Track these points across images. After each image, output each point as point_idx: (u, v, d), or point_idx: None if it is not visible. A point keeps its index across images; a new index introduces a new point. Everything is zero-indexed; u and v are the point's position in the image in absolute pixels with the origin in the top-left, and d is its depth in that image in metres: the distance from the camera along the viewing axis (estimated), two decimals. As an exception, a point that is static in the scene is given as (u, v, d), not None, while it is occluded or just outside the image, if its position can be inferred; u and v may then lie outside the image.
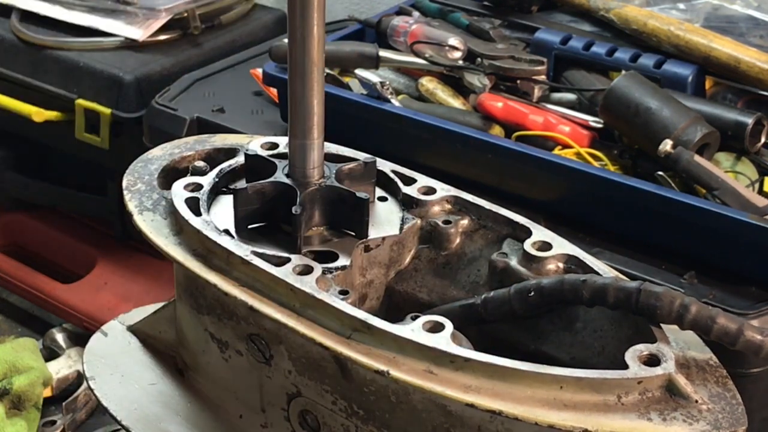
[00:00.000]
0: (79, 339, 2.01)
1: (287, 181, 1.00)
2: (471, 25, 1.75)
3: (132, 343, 1.15)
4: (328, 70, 1.62)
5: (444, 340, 0.85)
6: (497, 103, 1.57)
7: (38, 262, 2.19)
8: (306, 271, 0.93)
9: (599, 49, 1.62)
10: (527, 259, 0.98)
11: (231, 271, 0.94)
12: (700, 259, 1.33)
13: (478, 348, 0.87)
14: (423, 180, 1.07)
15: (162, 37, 2.08)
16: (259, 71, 1.75)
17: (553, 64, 1.64)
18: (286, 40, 0.98)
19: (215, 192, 1.04)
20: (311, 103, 0.97)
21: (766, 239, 1.26)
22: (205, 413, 1.07)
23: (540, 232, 1.00)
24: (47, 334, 2.03)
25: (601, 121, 1.52)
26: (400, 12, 1.81)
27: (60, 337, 2.02)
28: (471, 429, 0.86)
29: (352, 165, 1.02)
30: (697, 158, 1.38)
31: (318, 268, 0.93)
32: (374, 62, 1.65)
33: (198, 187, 1.02)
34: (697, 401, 0.83)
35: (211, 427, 1.06)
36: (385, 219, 1.03)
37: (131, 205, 1.03)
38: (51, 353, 2.01)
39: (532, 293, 0.92)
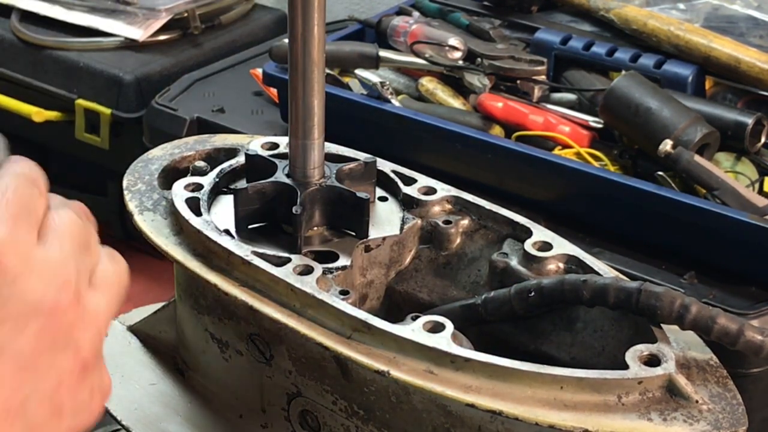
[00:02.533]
0: (79, 339, 2.01)
1: (287, 181, 1.00)
2: (471, 25, 1.75)
3: (132, 343, 1.15)
4: (328, 70, 1.62)
5: (444, 341, 0.85)
6: (497, 103, 1.57)
7: (38, 262, 2.18)
8: (306, 271, 0.93)
9: (599, 49, 1.62)
10: (527, 259, 0.98)
11: (231, 271, 0.94)
12: (700, 259, 1.33)
13: (478, 348, 0.87)
14: (423, 180, 1.07)
15: (162, 37, 2.08)
16: (259, 71, 1.75)
17: (553, 64, 1.64)
18: (286, 40, 0.98)
19: (215, 192, 1.04)
20: (311, 103, 0.97)
21: (766, 239, 1.26)
22: (205, 413, 1.07)
23: (540, 232, 1.00)
24: (47, 334, 2.03)
25: (601, 121, 1.52)
26: (400, 12, 1.81)
27: (60, 337, 2.02)
28: (471, 429, 0.86)
29: (352, 165, 1.02)
30: (697, 158, 1.38)
31: (318, 268, 0.93)
32: (374, 62, 1.65)
33: (198, 187, 1.02)
34: (697, 401, 0.83)
35: (211, 427, 1.06)
36: (386, 219, 1.03)
37: (131, 205, 1.03)
38: (51, 353, 2.01)
39: (533, 293, 0.92)
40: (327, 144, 1.02)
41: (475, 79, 1.60)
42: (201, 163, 1.07)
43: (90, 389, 0.64)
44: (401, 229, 1.02)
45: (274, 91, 1.75)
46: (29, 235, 0.61)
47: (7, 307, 0.58)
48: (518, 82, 1.60)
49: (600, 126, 1.53)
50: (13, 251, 0.59)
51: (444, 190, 1.06)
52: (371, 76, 1.63)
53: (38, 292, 0.59)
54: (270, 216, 1.00)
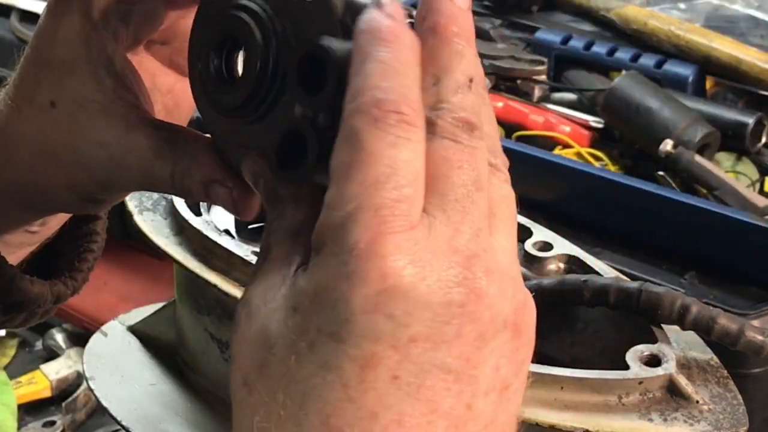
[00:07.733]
0: (79, 339, 2.01)
1: (287, 181, 0.99)
2: (471, 24, 1.75)
3: (132, 343, 1.15)
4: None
5: (444, 341, 0.85)
6: (497, 103, 1.56)
7: (38, 262, 2.18)
8: (306, 271, 0.93)
9: (600, 49, 1.62)
10: (528, 259, 0.98)
11: (231, 271, 0.94)
12: (701, 259, 1.33)
13: (478, 348, 0.87)
14: (423, 180, 1.07)
15: (162, 37, 2.07)
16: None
17: (553, 64, 1.64)
18: (286, 40, 0.98)
19: (215, 192, 1.04)
20: (311, 103, 0.97)
21: (767, 239, 1.26)
22: (205, 413, 1.07)
23: (540, 233, 1.00)
24: (47, 334, 2.03)
25: (602, 121, 1.52)
26: (401, 12, 1.80)
27: (60, 337, 2.02)
28: (471, 429, 0.86)
29: (352, 165, 1.02)
30: (698, 158, 1.38)
31: (318, 268, 0.93)
32: (374, 62, 1.65)
33: (198, 187, 1.02)
34: (698, 402, 0.83)
35: (211, 428, 1.06)
36: (386, 219, 1.03)
37: (131, 205, 1.03)
38: (51, 353, 2.00)
39: (533, 293, 0.92)
40: (327, 144, 1.02)
41: (475, 79, 1.60)
42: (201, 163, 1.07)
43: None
44: (401, 229, 1.02)
45: (274, 90, 1.75)
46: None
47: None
48: (518, 81, 1.60)
49: (600, 126, 1.53)
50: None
51: (444, 190, 1.06)
52: (371, 75, 1.63)
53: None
54: (270, 216, 1.00)
